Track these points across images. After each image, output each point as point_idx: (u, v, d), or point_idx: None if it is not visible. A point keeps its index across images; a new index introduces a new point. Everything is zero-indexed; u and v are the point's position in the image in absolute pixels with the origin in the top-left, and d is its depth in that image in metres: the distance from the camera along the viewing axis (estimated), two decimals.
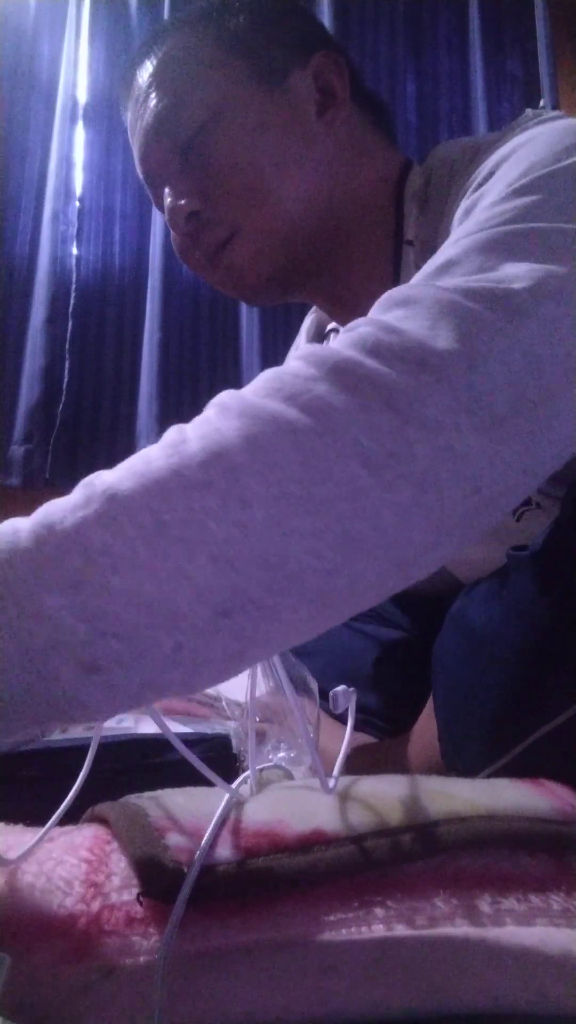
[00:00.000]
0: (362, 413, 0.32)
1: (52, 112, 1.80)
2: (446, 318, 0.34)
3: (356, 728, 0.72)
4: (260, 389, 0.34)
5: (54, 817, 0.35)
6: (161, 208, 0.68)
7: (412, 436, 0.31)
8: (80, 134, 1.83)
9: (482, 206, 0.43)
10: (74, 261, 1.75)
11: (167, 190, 0.65)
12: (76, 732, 0.55)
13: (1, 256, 1.72)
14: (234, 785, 0.37)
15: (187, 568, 0.30)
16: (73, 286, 1.73)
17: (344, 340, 0.35)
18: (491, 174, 0.47)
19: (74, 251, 1.76)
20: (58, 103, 1.80)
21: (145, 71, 0.65)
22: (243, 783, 0.39)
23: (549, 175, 0.42)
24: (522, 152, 0.46)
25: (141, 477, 0.31)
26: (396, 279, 0.64)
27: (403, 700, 0.73)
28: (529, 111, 0.56)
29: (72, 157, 1.81)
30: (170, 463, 0.31)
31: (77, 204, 1.79)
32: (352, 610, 0.33)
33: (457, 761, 0.52)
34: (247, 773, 0.40)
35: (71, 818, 0.37)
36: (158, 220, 1.76)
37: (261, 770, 0.42)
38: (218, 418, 0.33)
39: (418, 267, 0.60)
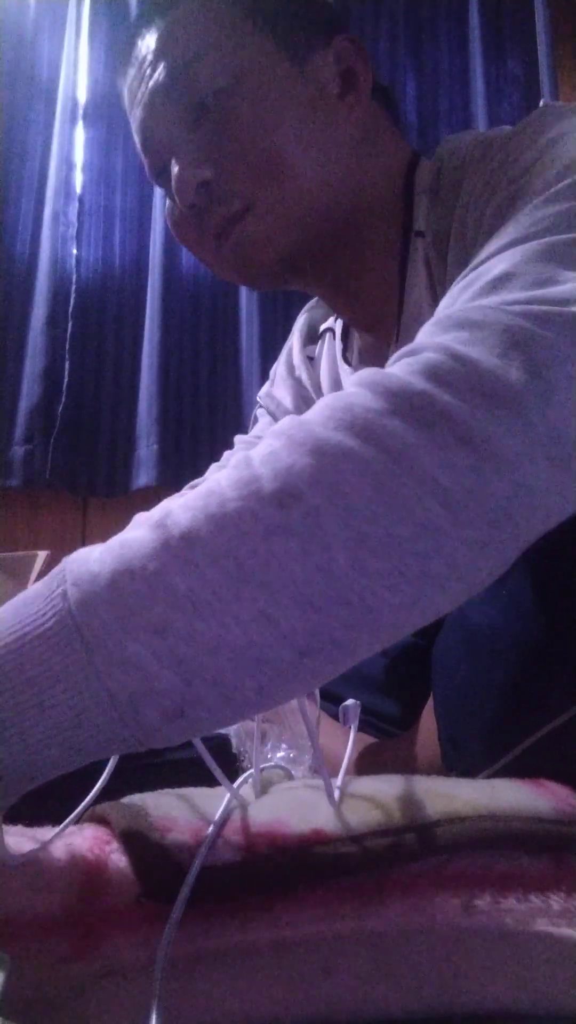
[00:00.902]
0: (438, 451, 0.32)
1: (52, 112, 1.80)
2: (517, 348, 0.34)
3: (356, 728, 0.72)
4: (328, 421, 0.33)
5: (71, 816, 0.35)
6: (157, 178, 0.64)
7: (488, 473, 0.32)
8: (80, 134, 1.83)
9: (524, 209, 0.43)
10: (74, 261, 1.75)
11: (174, 158, 0.61)
12: None
13: (1, 256, 1.72)
14: (235, 785, 0.37)
15: (271, 612, 0.30)
16: (73, 286, 1.72)
17: (411, 366, 0.34)
18: (526, 170, 0.47)
19: (74, 251, 1.76)
20: (58, 103, 1.80)
21: (152, 32, 0.61)
22: (245, 783, 0.39)
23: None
24: (559, 149, 0.46)
25: (219, 520, 0.31)
26: (403, 270, 0.63)
27: (402, 700, 0.73)
28: (550, 103, 0.55)
29: (72, 157, 1.81)
30: (246, 505, 0.31)
31: (77, 204, 1.79)
32: (412, 631, 0.34)
33: (457, 761, 0.52)
34: (248, 773, 0.40)
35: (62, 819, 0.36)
36: (158, 220, 1.76)
37: (262, 770, 0.42)
38: (288, 453, 0.32)
39: (429, 258, 0.60)
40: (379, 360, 0.68)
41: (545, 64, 1.90)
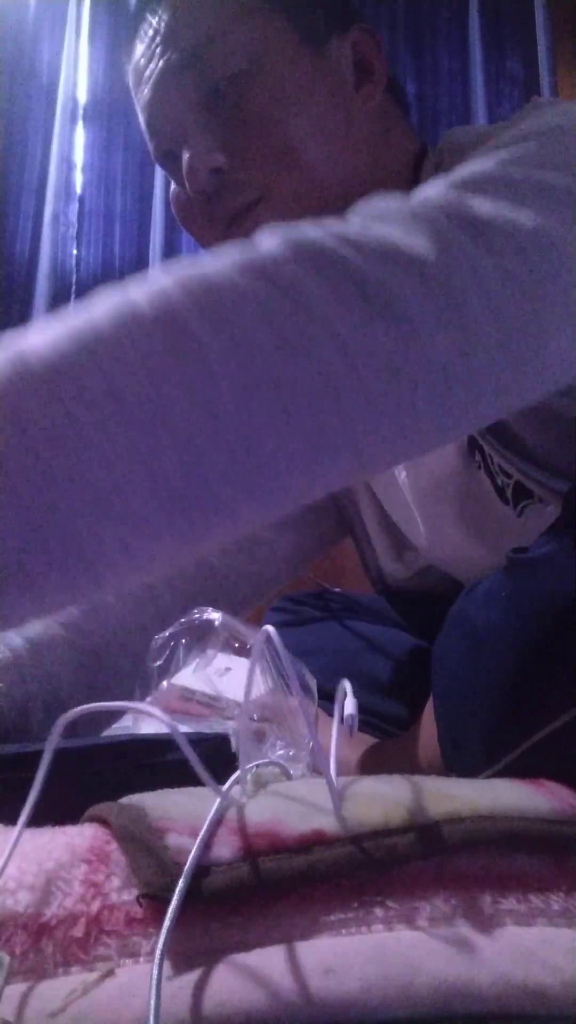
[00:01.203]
0: (337, 302, 0.30)
1: (52, 112, 1.80)
2: (417, 224, 0.34)
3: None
4: (223, 260, 0.30)
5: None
6: (162, 159, 0.62)
7: (382, 324, 0.30)
8: (80, 134, 1.83)
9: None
10: (74, 262, 1.75)
11: (187, 142, 0.59)
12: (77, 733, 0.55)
13: (1, 257, 1.72)
14: (225, 787, 0.37)
15: (143, 449, 0.25)
16: (73, 287, 1.73)
17: (322, 229, 0.33)
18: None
19: (74, 252, 1.76)
20: (58, 103, 1.80)
21: (166, 7, 0.58)
22: (235, 784, 0.39)
23: (549, 131, 0.42)
24: (533, 122, 0.47)
25: (83, 336, 0.27)
26: None
27: (402, 700, 0.73)
28: (537, 98, 0.55)
29: (72, 158, 1.81)
30: (123, 330, 0.27)
31: (77, 205, 1.79)
32: (304, 498, 0.31)
33: (457, 762, 0.52)
34: (236, 774, 0.40)
35: (66, 820, 0.36)
36: (158, 221, 1.76)
37: (257, 766, 0.42)
38: (174, 287, 0.29)
39: None
40: None
41: (545, 64, 1.90)
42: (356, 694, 0.77)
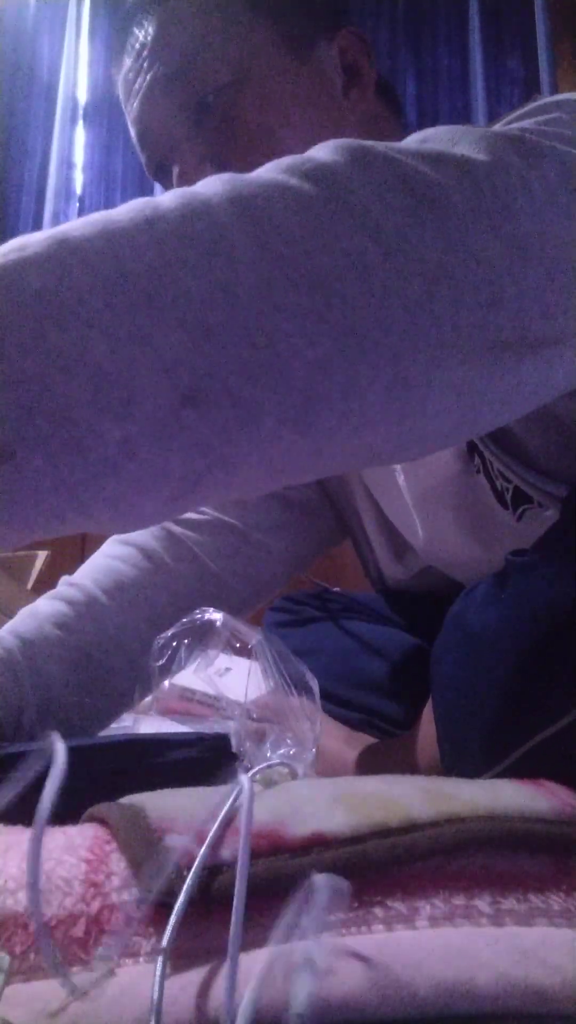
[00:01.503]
0: (375, 187, 0.27)
1: (52, 112, 1.80)
2: (467, 138, 0.31)
3: (356, 728, 0.72)
4: (269, 165, 0.29)
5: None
6: (155, 172, 0.63)
7: (428, 221, 0.27)
8: (80, 134, 1.83)
9: None
10: None
11: (175, 155, 0.59)
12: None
13: None
14: (238, 788, 0.37)
15: (152, 332, 0.23)
16: None
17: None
18: None
19: None
20: (58, 103, 1.80)
21: (149, 22, 0.59)
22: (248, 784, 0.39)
23: (555, 103, 0.41)
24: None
25: (101, 225, 0.25)
26: None
27: (402, 700, 0.73)
28: (538, 95, 0.55)
29: (72, 158, 1.81)
30: (139, 215, 0.25)
31: (77, 204, 1.79)
32: (336, 441, 0.27)
33: (456, 764, 0.52)
34: (249, 773, 0.40)
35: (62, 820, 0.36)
36: None
37: (268, 767, 0.42)
38: (204, 185, 0.28)
39: None
40: None
41: (545, 64, 1.90)
42: (356, 694, 0.77)
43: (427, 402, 0.28)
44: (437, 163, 0.29)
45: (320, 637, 0.88)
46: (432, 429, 0.30)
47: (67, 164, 1.79)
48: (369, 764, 0.64)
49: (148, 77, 0.59)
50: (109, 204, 1.79)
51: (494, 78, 1.93)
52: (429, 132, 0.35)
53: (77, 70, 1.84)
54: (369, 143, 0.30)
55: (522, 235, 0.30)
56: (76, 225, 0.26)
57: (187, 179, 0.58)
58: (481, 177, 0.29)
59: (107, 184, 1.81)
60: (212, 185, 0.27)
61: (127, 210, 0.26)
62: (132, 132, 0.64)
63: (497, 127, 0.39)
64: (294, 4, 0.61)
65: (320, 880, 0.23)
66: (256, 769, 0.39)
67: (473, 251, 0.28)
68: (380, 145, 0.30)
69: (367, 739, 0.70)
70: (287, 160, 0.29)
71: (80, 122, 1.83)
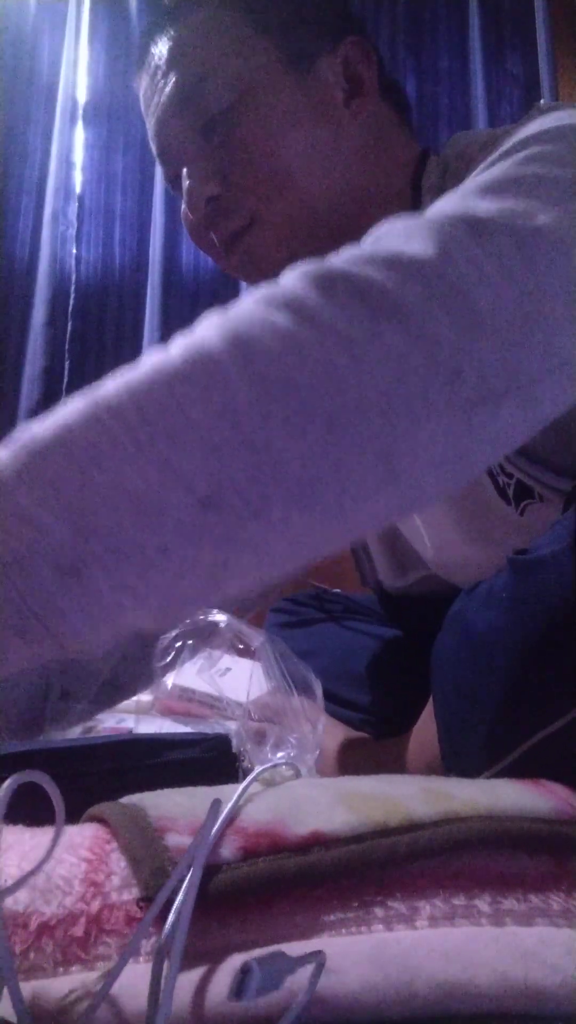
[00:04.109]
0: (337, 307, 0.32)
1: (52, 112, 1.80)
2: (420, 232, 0.35)
3: (356, 728, 0.72)
4: (247, 299, 0.34)
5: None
6: (172, 184, 0.67)
7: (386, 326, 0.32)
8: (80, 134, 1.83)
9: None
10: (74, 261, 1.75)
11: (185, 170, 0.63)
12: (76, 732, 0.55)
13: (1, 257, 1.72)
14: (241, 787, 0.37)
15: (171, 457, 0.29)
16: (73, 287, 1.73)
17: (332, 256, 0.35)
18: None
19: (74, 251, 1.76)
20: (58, 103, 1.80)
21: (165, 41, 0.62)
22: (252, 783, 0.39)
23: (556, 131, 0.43)
24: (538, 123, 0.47)
25: (124, 381, 0.31)
26: None
27: (402, 700, 0.73)
28: (543, 102, 0.56)
29: (72, 157, 1.81)
30: (152, 366, 0.31)
31: (77, 204, 1.79)
32: (342, 514, 0.32)
33: (457, 763, 0.52)
34: (254, 774, 0.40)
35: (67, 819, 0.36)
36: (158, 220, 1.76)
37: (273, 767, 0.42)
38: (199, 328, 0.33)
39: None
40: None
41: (545, 64, 1.90)
42: (356, 694, 0.77)
43: (416, 467, 0.33)
44: (390, 267, 0.33)
45: (321, 638, 0.88)
46: (430, 484, 0.34)
47: (67, 164, 1.79)
48: (369, 764, 0.64)
49: (162, 98, 0.62)
50: (109, 204, 1.79)
51: (494, 78, 1.93)
52: (384, 229, 0.38)
53: (77, 70, 1.84)
54: (327, 265, 0.34)
55: (477, 312, 0.33)
56: (105, 385, 0.32)
57: (195, 194, 0.61)
58: (431, 274, 0.33)
59: (107, 184, 1.81)
60: (208, 327, 0.33)
61: (145, 365, 0.32)
62: (152, 147, 0.68)
63: (475, 178, 0.42)
64: (296, 23, 0.63)
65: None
66: (261, 769, 0.39)
67: (429, 339, 0.32)
68: (337, 264, 0.34)
69: (367, 739, 0.70)
70: (264, 292, 0.34)
71: (80, 122, 1.83)
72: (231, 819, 0.34)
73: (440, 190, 0.61)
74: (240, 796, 0.36)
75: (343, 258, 0.35)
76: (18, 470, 0.29)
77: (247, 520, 0.30)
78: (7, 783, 0.26)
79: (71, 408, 0.31)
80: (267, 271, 0.63)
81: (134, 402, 0.30)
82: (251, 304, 0.33)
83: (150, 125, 0.66)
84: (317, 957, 0.26)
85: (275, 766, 0.44)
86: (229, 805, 0.34)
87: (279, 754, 0.49)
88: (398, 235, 0.36)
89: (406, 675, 0.76)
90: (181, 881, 0.29)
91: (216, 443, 0.29)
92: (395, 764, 0.61)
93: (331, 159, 0.61)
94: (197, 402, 0.30)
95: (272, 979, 0.25)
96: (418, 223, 0.36)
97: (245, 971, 0.24)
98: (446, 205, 0.39)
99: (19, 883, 0.29)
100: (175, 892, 0.29)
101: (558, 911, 0.31)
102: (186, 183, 0.62)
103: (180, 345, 0.32)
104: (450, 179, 0.60)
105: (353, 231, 0.63)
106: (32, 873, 0.29)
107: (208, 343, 0.31)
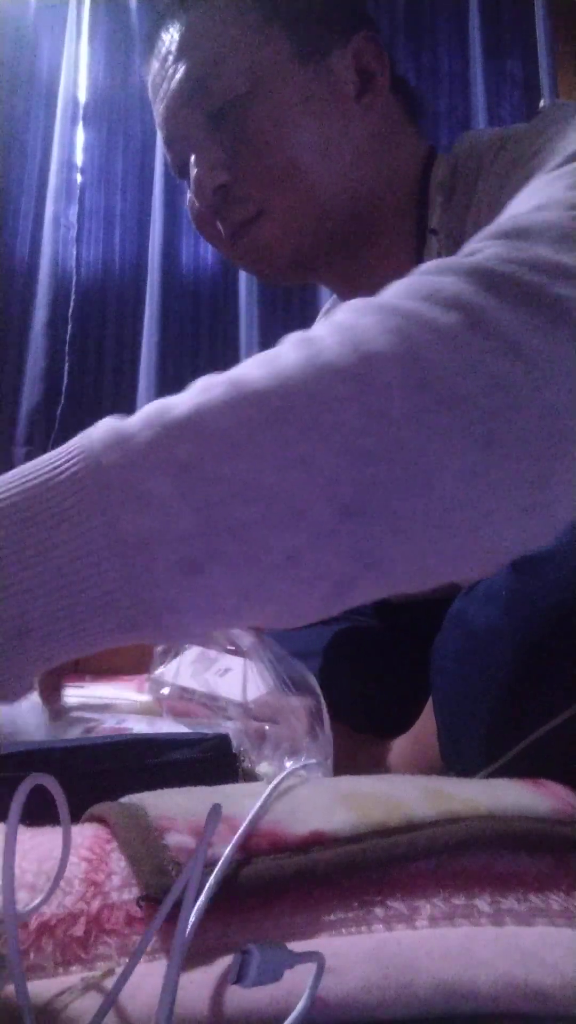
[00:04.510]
0: (510, 311, 0.29)
1: (52, 113, 1.80)
2: (569, 242, 0.32)
3: (356, 728, 0.72)
4: (391, 294, 0.31)
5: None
6: (177, 172, 0.66)
7: (564, 335, 0.29)
8: (80, 135, 1.83)
9: (541, 179, 0.42)
10: (74, 263, 1.75)
11: (193, 158, 0.62)
12: (74, 733, 0.55)
13: (1, 258, 1.72)
14: (266, 793, 0.37)
15: (314, 456, 0.27)
16: (73, 288, 1.73)
17: (463, 256, 0.33)
18: (536, 158, 0.46)
19: (74, 253, 1.76)
20: (58, 104, 1.80)
21: (176, 28, 0.62)
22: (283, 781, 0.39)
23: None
24: (568, 137, 0.46)
25: (269, 366, 0.29)
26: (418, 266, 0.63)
27: (402, 699, 0.73)
28: (560, 101, 0.56)
29: (73, 158, 1.81)
30: (302, 354, 0.29)
31: (77, 206, 1.79)
32: (477, 539, 0.29)
33: (456, 761, 0.52)
34: (277, 779, 0.39)
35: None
36: (158, 221, 1.76)
37: (291, 774, 0.42)
38: (350, 315, 0.30)
39: (441, 256, 0.60)
40: None
41: (545, 64, 1.90)
42: (355, 694, 0.77)
43: (558, 491, 0.30)
44: (555, 276, 0.31)
45: (321, 637, 0.88)
46: (561, 514, 0.31)
47: (67, 164, 1.79)
48: (369, 763, 0.64)
49: (172, 85, 0.62)
50: (109, 204, 1.79)
51: (494, 78, 1.93)
52: (523, 222, 0.35)
53: (77, 70, 1.84)
54: (482, 264, 0.31)
55: None
56: (249, 367, 0.29)
57: (203, 182, 0.61)
58: None
59: (107, 185, 1.81)
60: (363, 316, 0.30)
61: (293, 350, 0.29)
62: (160, 134, 0.67)
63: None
64: (308, 15, 0.62)
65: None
66: (280, 777, 0.39)
67: None
68: (494, 264, 0.31)
69: (367, 738, 0.70)
70: (422, 286, 0.31)
71: (80, 123, 1.83)
72: (230, 819, 0.34)
73: (450, 188, 0.60)
74: (269, 797, 0.35)
75: (489, 256, 0.32)
76: (144, 450, 0.27)
77: (386, 535, 0.28)
78: (20, 787, 0.26)
79: (208, 385, 0.29)
80: (272, 262, 0.64)
81: (281, 391, 0.28)
82: (412, 300, 0.30)
83: (158, 112, 0.65)
84: (316, 958, 0.26)
85: (298, 769, 0.44)
86: (259, 803, 0.34)
87: (302, 759, 0.49)
88: (546, 241, 0.33)
89: (406, 674, 0.76)
90: (183, 880, 0.29)
91: (368, 448, 0.27)
92: (395, 763, 0.61)
93: (341, 153, 0.61)
94: (352, 402, 0.27)
95: (272, 969, 0.24)
96: (563, 229, 0.33)
97: (245, 952, 0.24)
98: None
99: (42, 901, 0.29)
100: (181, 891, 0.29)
101: (558, 911, 0.31)
102: (194, 171, 0.61)
103: (334, 332, 0.30)
104: (460, 178, 0.60)
105: (359, 226, 0.63)
106: (51, 891, 0.29)
107: (368, 337, 0.29)
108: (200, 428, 0.27)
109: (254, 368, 0.29)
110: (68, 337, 1.68)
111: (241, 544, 0.27)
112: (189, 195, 0.66)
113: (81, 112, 1.82)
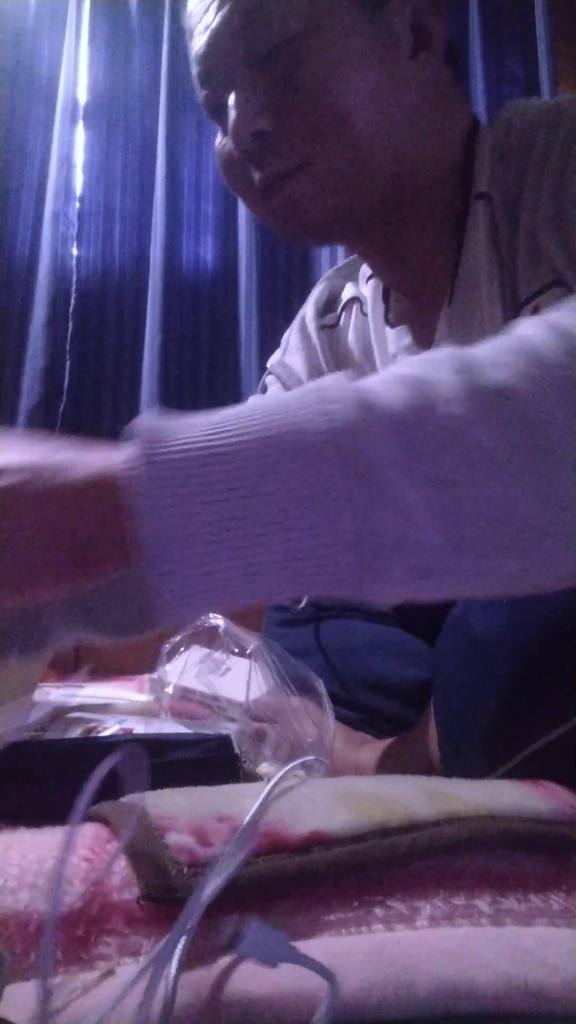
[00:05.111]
0: None
1: (52, 112, 1.80)
2: None
3: (356, 728, 0.72)
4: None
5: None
6: (210, 112, 0.62)
7: None
8: (80, 134, 1.83)
9: None
10: (74, 262, 1.75)
11: (233, 97, 0.57)
12: (74, 733, 0.55)
13: (1, 257, 1.72)
14: (265, 791, 0.37)
15: (561, 486, 0.27)
16: (73, 287, 1.72)
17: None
18: None
19: (74, 252, 1.76)
20: (58, 103, 1.80)
21: None
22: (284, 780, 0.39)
23: None
24: None
25: (538, 381, 0.28)
26: (459, 235, 0.60)
27: (402, 699, 0.73)
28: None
29: (72, 158, 1.81)
30: (571, 371, 0.29)
31: (77, 204, 1.79)
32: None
33: (457, 767, 0.52)
34: (276, 777, 0.39)
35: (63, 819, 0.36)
36: (158, 220, 1.76)
37: (289, 773, 0.42)
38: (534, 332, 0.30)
39: (495, 220, 0.57)
40: (421, 322, 0.66)
41: (545, 64, 1.90)
42: (356, 693, 0.77)
43: None
44: None
45: (319, 636, 0.87)
46: None
47: (67, 164, 1.79)
48: (371, 763, 0.64)
49: (218, 18, 0.57)
50: (109, 204, 1.79)
51: (494, 78, 1.93)
52: None
53: (77, 70, 1.83)
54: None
55: None
56: (513, 376, 0.29)
57: (242, 125, 0.56)
58: None
59: (107, 184, 1.81)
60: (547, 340, 0.30)
61: (554, 352, 0.29)
62: (193, 69, 0.62)
63: None
64: None
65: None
66: (277, 776, 0.39)
67: None
68: None
69: (367, 738, 0.70)
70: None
71: (80, 122, 1.83)
72: (229, 819, 0.34)
73: (502, 153, 0.58)
74: (268, 795, 0.35)
75: None
76: (409, 456, 0.27)
77: (494, 569, 0.29)
78: (103, 763, 0.26)
79: (460, 385, 0.28)
80: (306, 221, 0.59)
81: (544, 415, 0.28)
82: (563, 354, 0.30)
83: (198, 44, 0.59)
84: (328, 976, 0.26)
85: (298, 766, 0.44)
86: (258, 802, 0.34)
87: (299, 759, 0.49)
88: None
89: (405, 674, 0.76)
90: (183, 880, 0.29)
91: (499, 492, 0.28)
92: (397, 763, 0.61)
93: (392, 112, 0.57)
94: (483, 451, 0.27)
95: (269, 950, 0.25)
96: None
97: (243, 924, 0.24)
98: None
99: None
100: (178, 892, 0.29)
101: (558, 911, 0.31)
102: (232, 112, 0.57)
103: (553, 344, 0.30)
104: (513, 143, 0.58)
105: (401, 190, 0.59)
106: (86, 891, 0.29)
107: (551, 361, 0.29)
108: (467, 440, 0.27)
109: (520, 379, 0.29)
110: (68, 336, 1.68)
111: (478, 563, 0.27)
112: (219, 138, 0.62)
113: (81, 111, 1.82)
